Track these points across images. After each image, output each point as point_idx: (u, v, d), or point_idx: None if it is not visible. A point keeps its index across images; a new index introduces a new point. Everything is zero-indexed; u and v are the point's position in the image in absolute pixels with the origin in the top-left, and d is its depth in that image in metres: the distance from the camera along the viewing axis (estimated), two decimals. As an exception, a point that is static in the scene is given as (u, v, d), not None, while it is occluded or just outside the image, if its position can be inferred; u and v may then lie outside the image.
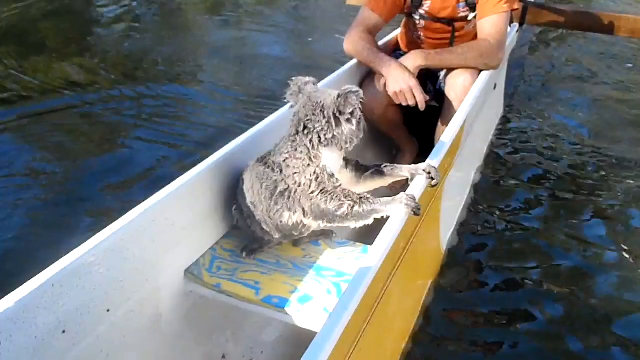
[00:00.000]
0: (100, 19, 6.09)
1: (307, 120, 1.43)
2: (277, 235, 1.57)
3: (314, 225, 1.52)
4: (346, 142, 1.43)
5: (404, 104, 2.20)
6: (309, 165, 1.44)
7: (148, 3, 6.55)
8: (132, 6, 6.45)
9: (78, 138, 3.51)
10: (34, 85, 4.20)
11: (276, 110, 1.96)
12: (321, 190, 1.43)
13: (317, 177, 1.44)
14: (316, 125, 1.42)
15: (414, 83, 2.17)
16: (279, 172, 1.48)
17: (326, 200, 1.43)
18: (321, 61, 4.66)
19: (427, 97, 2.19)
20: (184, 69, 4.67)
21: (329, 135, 1.42)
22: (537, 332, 2.06)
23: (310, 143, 1.43)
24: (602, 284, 2.29)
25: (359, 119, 1.42)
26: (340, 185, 1.45)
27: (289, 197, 1.47)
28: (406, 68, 2.20)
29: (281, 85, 1.54)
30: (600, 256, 2.47)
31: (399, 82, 2.17)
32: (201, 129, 3.62)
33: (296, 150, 1.46)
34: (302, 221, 1.50)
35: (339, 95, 1.40)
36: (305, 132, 1.43)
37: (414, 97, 2.17)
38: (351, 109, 1.40)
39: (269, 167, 1.50)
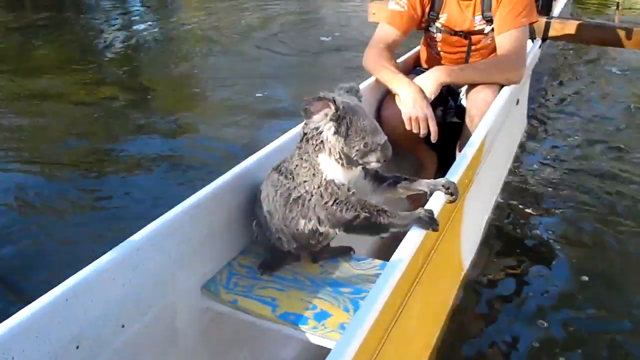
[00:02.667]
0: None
1: (305, 126, 1.43)
2: (294, 245, 1.56)
3: (331, 232, 1.50)
4: (333, 150, 1.39)
5: (415, 131, 2.16)
6: (314, 175, 1.43)
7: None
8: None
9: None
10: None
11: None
12: (335, 200, 1.41)
13: (327, 188, 1.42)
14: (309, 132, 1.41)
15: (430, 113, 2.13)
16: (292, 180, 1.47)
17: (342, 210, 1.41)
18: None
19: (437, 131, 2.16)
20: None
21: (318, 141, 1.40)
22: (563, 350, 2.00)
23: (309, 150, 1.43)
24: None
25: (339, 125, 1.36)
26: (353, 195, 1.43)
27: (302, 205, 1.46)
28: (424, 94, 2.17)
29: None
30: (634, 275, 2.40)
31: (416, 108, 2.13)
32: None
33: (301, 158, 1.45)
34: (317, 229, 1.48)
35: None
36: (305, 138, 1.43)
37: (427, 127, 2.14)
38: (306, 110, 1.36)
39: (282, 174, 1.50)
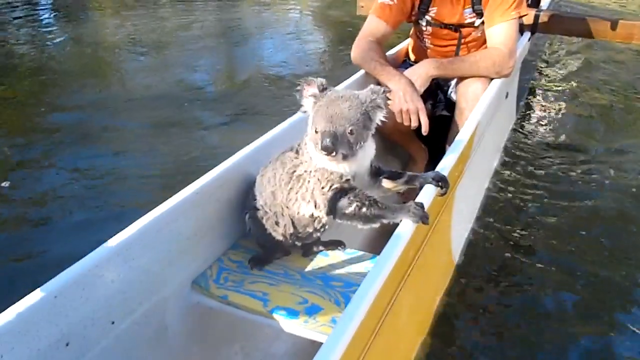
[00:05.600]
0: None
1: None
2: (290, 231, 1.56)
3: (325, 219, 1.51)
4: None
5: (405, 123, 2.16)
6: (311, 157, 1.45)
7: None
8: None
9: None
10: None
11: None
12: (330, 186, 1.42)
13: (323, 174, 1.43)
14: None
15: (420, 105, 2.13)
16: (297, 157, 1.50)
17: (336, 197, 1.42)
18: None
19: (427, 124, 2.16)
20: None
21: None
22: (554, 344, 2.01)
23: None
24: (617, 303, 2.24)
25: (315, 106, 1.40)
26: (347, 182, 1.43)
27: (302, 185, 1.47)
28: (414, 87, 2.17)
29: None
30: (620, 269, 2.41)
31: (407, 101, 2.13)
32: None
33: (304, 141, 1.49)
34: (314, 214, 1.49)
35: None
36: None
37: (418, 120, 2.14)
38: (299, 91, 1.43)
39: (293, 150, 1.53)
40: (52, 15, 7.22)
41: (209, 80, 4.99)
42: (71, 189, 3.07)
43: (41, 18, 7.00)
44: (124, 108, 4.20)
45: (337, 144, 1.33)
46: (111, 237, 1.33)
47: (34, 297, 1.14)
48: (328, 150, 1.32)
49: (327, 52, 5.76)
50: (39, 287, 1.17)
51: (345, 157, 1.37)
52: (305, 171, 1.47)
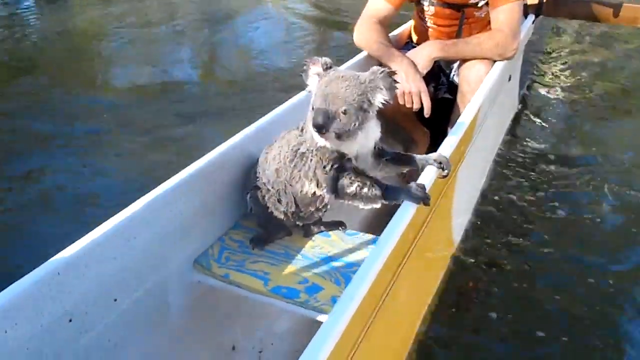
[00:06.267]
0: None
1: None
2: (292, 209, 1.56)
3: (327, 198, 1.51)
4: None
5: (408, 105, 2.16)
6: (312, 136, 1.45)
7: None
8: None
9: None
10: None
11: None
12: (332, 165, 1.43)
13: (324, 153, 1.43)
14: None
15: (423, 87, 2.13)
16: (302, 134, 1.50)
17: (337, 176, 1.42)
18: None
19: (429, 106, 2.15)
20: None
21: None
22: (552, 329, 2.03)
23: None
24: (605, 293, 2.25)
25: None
26: (349, 161, 1.44)
27: (305, 162, 1.47)
28: (417, 69, 2.16)
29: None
30: (614, 256, 2.42)
31: (409, 83, 2.13)
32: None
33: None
34: (316, 193, 1.50)
35: None
36: None
37: (420, 102, 2.13)
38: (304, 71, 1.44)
39: (298, 128, 1.53)
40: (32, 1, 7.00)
41: (192, 76, 4.80)
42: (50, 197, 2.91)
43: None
44: (103, 109, 3.92)
45: (329, 123, 1.33)
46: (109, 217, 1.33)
47: (37, 273, 1.15)
48: (318, 128, 1.33)
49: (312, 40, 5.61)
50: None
51: (339, 137, 1.36)
52: (308, 149, 1.47)
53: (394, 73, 1.40)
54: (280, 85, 4.18)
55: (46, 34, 5.73)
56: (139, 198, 1.41)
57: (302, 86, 1.50)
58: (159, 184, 1.47)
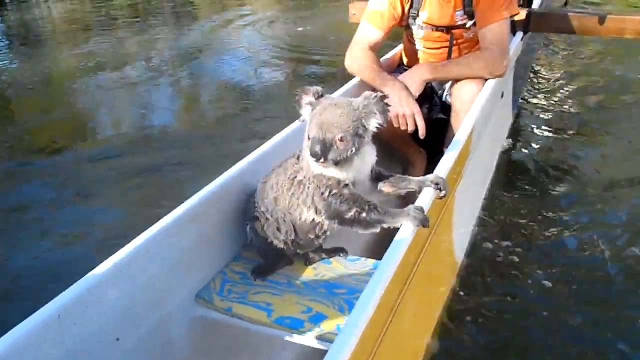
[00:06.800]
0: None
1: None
2: (292, 237, 1.56)
3: (327, 225, 1.51)
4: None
5: (402, 128, 2.17)
6: (309, 163, 1.46)
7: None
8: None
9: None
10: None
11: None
12: (330, 192, 1.43)
13: (321, 179, 1.44)
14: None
15: (416, 109, 2.15)
16: (298, 162, 1.51)
17: (336, 202, 1.43)
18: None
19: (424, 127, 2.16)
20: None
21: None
22: (559, 345, 2.01)
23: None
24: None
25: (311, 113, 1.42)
26: (346, 188, 1.44)
27: (303, 190, 1.48)
28: (409, 91, 2.18)
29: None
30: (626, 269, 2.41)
31: (403, 105, 2.14)
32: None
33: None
34: (315, 220, 1.50)
35: None
36: None
37: (415, 124, 2.14)
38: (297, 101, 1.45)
39: (295, 156, 1.54)
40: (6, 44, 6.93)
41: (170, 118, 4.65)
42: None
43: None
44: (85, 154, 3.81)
45: (326, 151, 1.35)
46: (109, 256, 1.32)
47: (38, 316, 1.14)
48: (316, 157, 1.36)
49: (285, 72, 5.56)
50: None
51: (337, 164, 1.38)
52: (305, 177, 1.48)
53: (385, 97, 1.41)
54: (258, 123, 4.12)
55: (20, 80, 5.56)
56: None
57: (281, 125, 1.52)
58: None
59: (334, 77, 4.82)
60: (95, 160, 3.68)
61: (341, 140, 1.36)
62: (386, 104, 1.41)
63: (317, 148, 1.35)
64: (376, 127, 1.41)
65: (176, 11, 8.16)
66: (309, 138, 1.39)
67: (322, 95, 1.43)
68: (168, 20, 7.74)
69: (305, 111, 1.45)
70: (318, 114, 1.39)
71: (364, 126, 1.40)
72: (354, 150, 1.39)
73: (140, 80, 5.37)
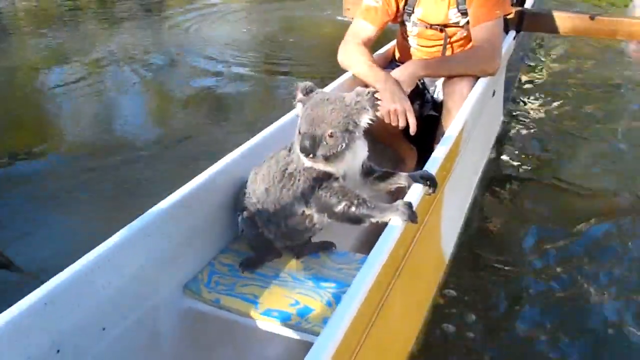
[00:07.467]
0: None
1: None
2: (283, 230, 1.57)
3: (317, 218, 1.51)
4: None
5: (393, 124, 2.17)
6: (299, 156, 1.46)
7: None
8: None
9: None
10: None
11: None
12: (320, 186, 1.43)
13: (311, 172, 1.44)
14: None
15: (408, 106, 2.14)
16: (289, 154, 1.51)
17: (325, 195, 1.43)
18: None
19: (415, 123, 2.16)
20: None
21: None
22: (548, 340, 2.03)
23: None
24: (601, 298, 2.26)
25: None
26: (336, 181, 1.44)
27: (293, 183, 1.48)
28: (401, 87, 2.18)
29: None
30: (605, 262, 2.44)
31: (394, 101, 2.14)
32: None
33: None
34: (305, 212, 1.50)
35: None
36: None
37: (406, 120, 2.15)
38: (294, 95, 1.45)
39: (287, 148, 1.54)
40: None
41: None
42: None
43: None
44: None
45: (316, 147, 1.36)
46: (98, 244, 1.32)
47: (24, 303, 1.14)
48: (306, 152, 1.37)
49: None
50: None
51: (327, 159, 1.39)
52: (296, 169, 1.48)
53: (377, 92, 1.42)
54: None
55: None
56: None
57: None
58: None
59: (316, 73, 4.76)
60: (56, 165, 3.45)
61: (331, 136, 1.36)
62: (377, 98, 1.41)
63: (307, 143, 1.35)
64: (367, 123, 1.42)
65: (147, 3, 7.97)
66: (299, 133, 1.40)
67: (311, 91, 1.44)
68: (138, 13, 7.54)
69: (298, 107, 1.46)
70: (309, 109, 1.39)
71: (355, 122, 1.40)
72: (344, 146, 1.39)
73: (105, 82, 5.05)
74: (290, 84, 2.36)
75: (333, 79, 2.45)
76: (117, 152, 3.55)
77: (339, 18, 3.69)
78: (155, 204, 1.49)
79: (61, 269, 1.24)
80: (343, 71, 2.46)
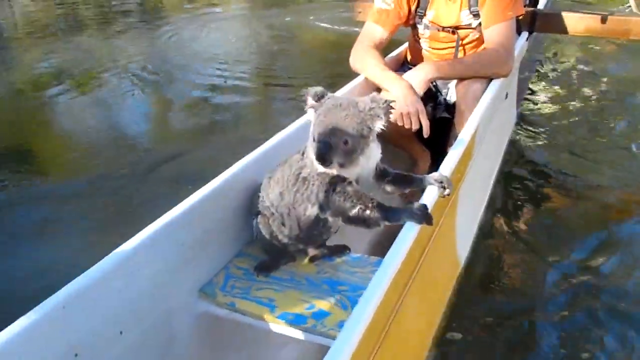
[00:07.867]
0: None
1: None
2: (296, 232, 1.57)
3: (331, 221, 1.51)
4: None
5: (406, 126, 2.17)
6: (312, 161, 1.45)
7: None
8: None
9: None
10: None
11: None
12: (334, 190, 1.43)
13: (325, 177, 1.44)
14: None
15: (421, 108, 2.14)
16: (303, 159, 1.51)
17: (340, 199, 1.42)
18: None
19: (428, 125, 2.16)
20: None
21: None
22: (560, 345, 2.01)
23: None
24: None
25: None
26: (350, 185, 1.44)
27: (307, 187, 1.48)
28: (414, 90, 2.17)
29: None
30: (621, 270, 2.41)
31: (407, 104, 2.13)
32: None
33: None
34: (319, 216, 1.50)
35: None
36: None
37: (419, 122, 2.14)
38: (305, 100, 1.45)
39: (300, 152, 1.54)
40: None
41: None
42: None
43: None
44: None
45: (332, 154, 1.36)
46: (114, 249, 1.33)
47: (42, 308, 1.15)
48: (322, 160, 1.37)
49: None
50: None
51: (342, 166, 1.40)
52: (309, 174, 1.48)
53: (393, 102, 1.42)
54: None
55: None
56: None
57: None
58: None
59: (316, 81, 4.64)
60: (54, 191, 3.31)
61: (346, 143, 1.36)
62: (392, 107, 1.41)
63: (323, 152, 1.36)
64: (381, 128, 1.42)
65: (145, 12, 8.00)
66: (314, 140, 1.40)
67: (323, 96, 1.43)
68: (137, 23, 7.54)
69: (310, 113, 1.46)
70: (322, 116, 1.39)
71: (369, 127, 1.40)
72: (359, 152, 1.40)
73: (105, 92, 5.04)
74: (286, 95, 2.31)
75: (331, 85, 2.42)
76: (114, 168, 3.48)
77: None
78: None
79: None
80: (337, 79, 2.43)
